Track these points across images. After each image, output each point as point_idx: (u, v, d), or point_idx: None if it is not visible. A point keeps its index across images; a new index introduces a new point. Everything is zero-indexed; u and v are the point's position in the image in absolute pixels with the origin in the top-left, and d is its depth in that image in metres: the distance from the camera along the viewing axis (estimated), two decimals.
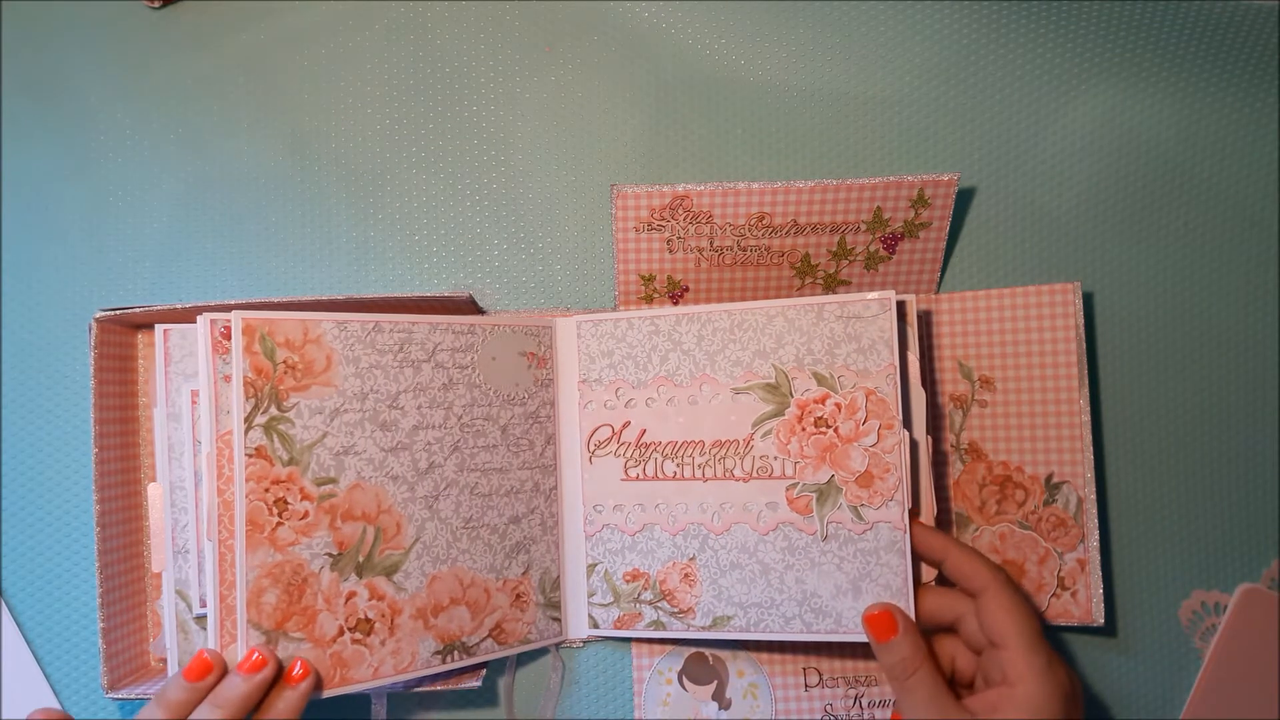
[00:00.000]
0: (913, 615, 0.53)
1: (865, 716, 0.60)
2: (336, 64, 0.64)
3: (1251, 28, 0.65)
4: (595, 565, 0.58)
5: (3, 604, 0.59)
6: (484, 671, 0.57)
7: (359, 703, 0.59)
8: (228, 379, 0.50)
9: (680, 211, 0.58)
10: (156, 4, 0.63)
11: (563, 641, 0.59)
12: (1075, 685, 0.50)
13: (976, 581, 0.51)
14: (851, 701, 0.60)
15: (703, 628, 0.56)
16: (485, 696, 0.60)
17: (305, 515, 0.51)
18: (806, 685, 0.60)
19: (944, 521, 0.61)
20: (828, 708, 0.60)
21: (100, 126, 0.63)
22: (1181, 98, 0.64)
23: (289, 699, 0.48)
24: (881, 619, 0.52)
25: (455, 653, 0.55)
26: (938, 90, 0.64)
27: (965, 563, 0.52)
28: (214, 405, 0.51)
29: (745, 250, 0.59)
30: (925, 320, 0.62)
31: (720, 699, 0.60)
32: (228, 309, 0.52)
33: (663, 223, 0.58)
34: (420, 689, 0.56)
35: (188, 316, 0.54)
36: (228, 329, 0.51)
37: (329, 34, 0.64)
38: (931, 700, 0.49)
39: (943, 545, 0.53)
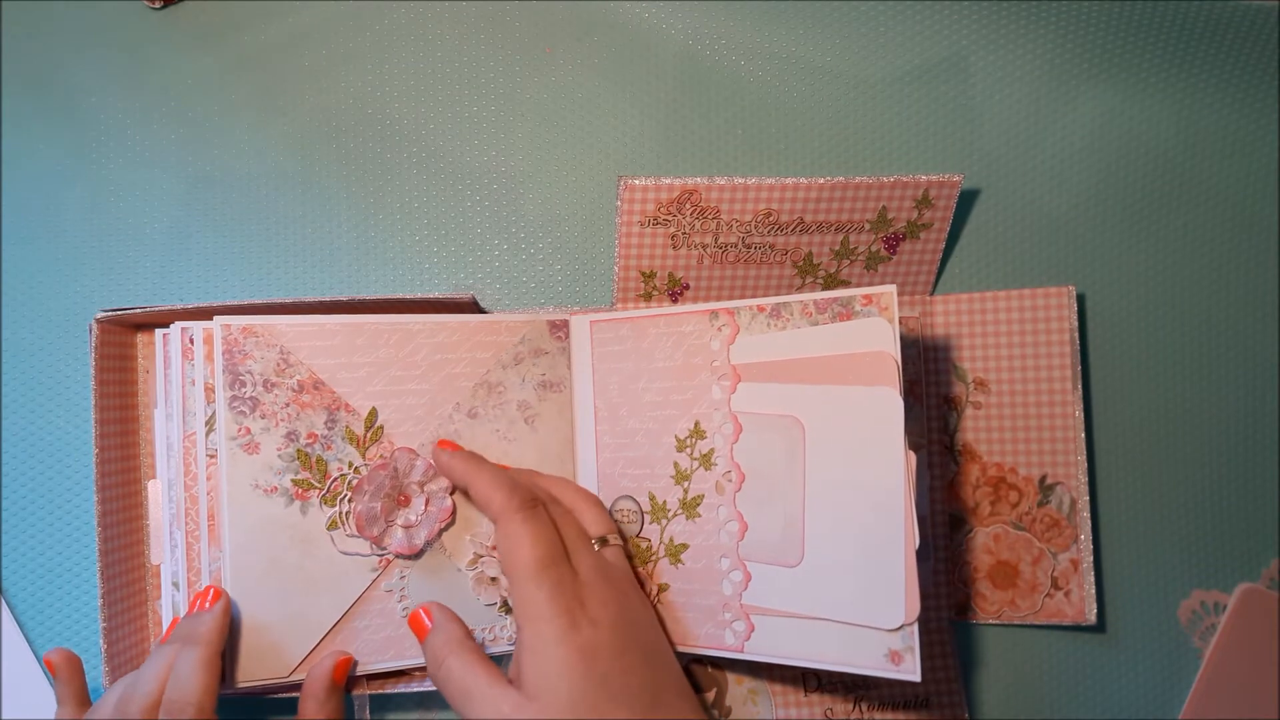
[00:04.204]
0: None
1: (865, 718, 0.60)
2: (337, 64, 0.64)
3: (1251, 28, 0.65)
4: None
5: (3, 604, 0.59)
6: None
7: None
8: (206, 385, 0.52)
9: (688, 206, 0.57)
10: (158, 4, 0.64)
11: None
12: (606, 628, 0.47)
13: (489, 511, 0.50)
14: (851, 705, 0.60)
15: None
16: None
17: None
18: (806, 690, 0.60)
19: (938, 523, 0.61)
20: (828, 711, 0.60)
21: (101, 127, 0.63)
22: (1181, 98, 0.64)
23: (200, 617, 0.49)
24: (414, 620, 0.52)
25: None
26: (937, 91, 0.64)
27: (482, 489, 0.51)
28: (182, 408, 0.53)
29: (749, 248, 0.59)
30: (920, 324, 0.62)
31: (720, 707, 0.60)
32: (227, 310, 0.53)
33: (669, 217, 0.58)
34: (420, 688, 0.56)
35: (187, 317, 0.54)
36: (206, 334, 0.52)
37: (330, 34, 0.64)
38: (461, 683, 0.47)
39: (464, 472, 0.52)
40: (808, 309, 0.53)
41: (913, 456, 0.50)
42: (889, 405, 0.50)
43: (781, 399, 0.53)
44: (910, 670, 0.49)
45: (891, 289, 0.51)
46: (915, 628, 0.49)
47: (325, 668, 0.51)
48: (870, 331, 0.51)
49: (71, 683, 0.51)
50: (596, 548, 0.52)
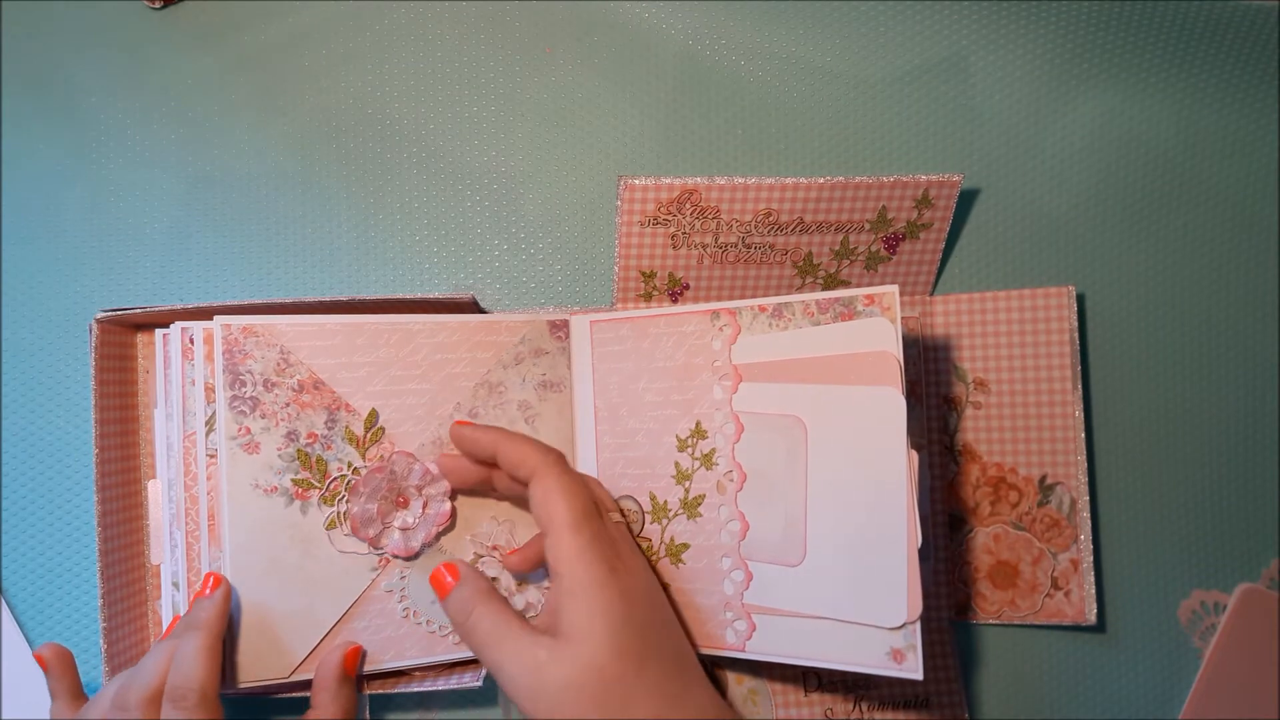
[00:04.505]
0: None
1: (865, 718, 0.60)
2: (337, 64, 0.64)
3: (1251, 28, 0.65)
4: None
5: (3, 604, 0.59)
6: (484, 670, 0.57)
7: None
8: (206, 385, 0.52)
9: (688, 206, 0.57)
10: (158, 4, 0.64)
11: None
12: (641, 579, 0.48)
13: (524, 470, 0.50)
14: (852, 705, 0.60)
15: None
16: (485, 696, 0.60)
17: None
18: (806, 690, 0.60)
19: (938, 523, 0.61)
20: (828, 711, 0.60)
21: (101, 127, 0.63)
22: (1181, 98, 0.64)
23: (202, 604, 0.49)
24: (435, 577, 0.51)
25: None
26: (937, 90, 0.64)
27: (514, 451, 0.51)
28: (182, 408, 0.53)
29: (750, 248, 0.59)
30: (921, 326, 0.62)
31: None
32: (227, 310, 0.53)
33: (669, 217, 0.58)
34: (420, 688, 0.56)
35: (187, 317, 0.54)
36: (206, 334, 0.52)
37: (330, 34, 0.64)
38: (492, 632, 0.47)
39: (492, 440, 0.52)
40: (809, 309, 0.53)
41: (914, 455, 0.50)
42: (891, 405, 0.50)
43: (783, 399, 0.53)
44: (912, 669, 0.49)
45: (893, 289, 0.51)
46: (917, 626, 0.49)
47: (335, 659, 0.51)
48: (872, 331, 0.51)
49: (64, 678, 0.51)
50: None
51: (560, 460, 0.51)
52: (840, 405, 0.52)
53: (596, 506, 0.50)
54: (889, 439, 0.50)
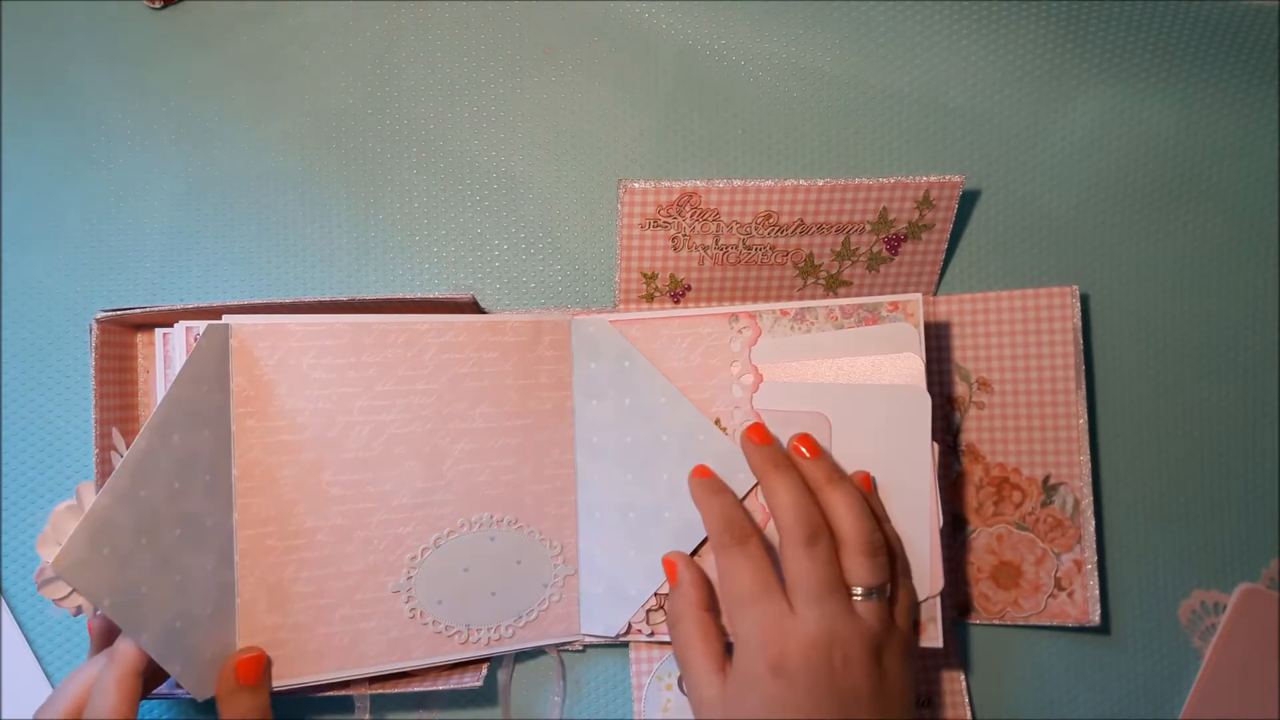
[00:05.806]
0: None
1: None
2: (337, 64, 0.64)
3: (1251, 28, 0.65)
4: None
5: (3, 604, 0.59)
6: (484, 670, 0.57)
7: (343, 703, 0.58)
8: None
9: (688, 208, 0.57)
10: (157, 4, 0.63)
11: (563, 645, 0.59)
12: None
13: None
14: None
15: None
16: (484, 696, 0.60)
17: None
18: None
19: (944, 523, 0.61)
20: None
21: (101, 127, 0.63)
22: (1182, 98, 0.64)
23: (123, 635, 0.47)
24: (667, 564, 0.54)
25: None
26: (937, 90, 0.64)
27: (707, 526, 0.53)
28: None
29: (750, 249, 0.59)
30: (937, 327, 0.62)
31: None
32: (228, 310, 0.53)
33: (669, 219, 0.58)
34: (419, 688, 0.56)
35: (188, 316, 0.54)
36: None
37: (329, 34, 0.64)
38: (683, 647, 0.51)
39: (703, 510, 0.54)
40: (833, 314, 0.55)
41: (935, 446, 0.53)
42: (916, 399, 0.53)
43: (807, 396, 0.55)
44: (934, 638, 0.53)
45: (917, 297, 0.54)
46: (939, 600, 0.52)
47: (228, 667, 0.49)
48: (896, 336, 0.54)
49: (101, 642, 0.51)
50: (859, 595, 0.49)
51: (679, 609, 0.52)
52: (865, 401, 0.54)
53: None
54: (913, 431, 0.53)
